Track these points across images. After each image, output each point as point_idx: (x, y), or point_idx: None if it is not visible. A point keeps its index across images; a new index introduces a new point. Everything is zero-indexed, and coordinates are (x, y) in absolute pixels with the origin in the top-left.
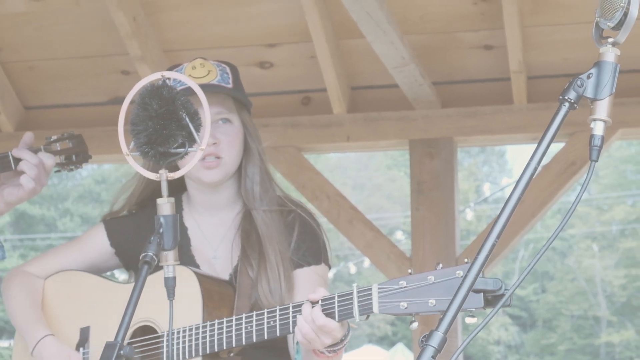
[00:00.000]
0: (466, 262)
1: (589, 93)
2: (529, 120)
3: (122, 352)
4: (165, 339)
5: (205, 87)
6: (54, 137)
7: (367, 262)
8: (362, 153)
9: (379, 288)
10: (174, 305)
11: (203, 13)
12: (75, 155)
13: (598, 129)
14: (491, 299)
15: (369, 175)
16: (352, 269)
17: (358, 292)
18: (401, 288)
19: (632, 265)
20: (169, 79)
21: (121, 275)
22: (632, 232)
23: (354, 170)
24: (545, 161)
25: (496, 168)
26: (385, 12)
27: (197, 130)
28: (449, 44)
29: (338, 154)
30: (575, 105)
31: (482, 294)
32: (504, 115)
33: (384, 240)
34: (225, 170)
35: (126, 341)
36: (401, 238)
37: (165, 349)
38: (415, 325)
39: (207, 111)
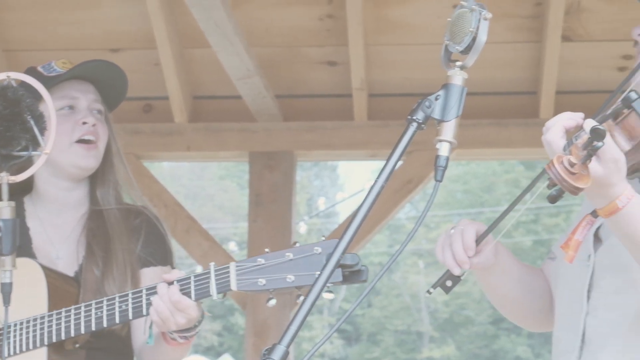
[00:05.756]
0: (323, 239)
1: (436, 114)
2: (368, 137)
3: None
4: (4, 336)
5: (94, 62)
6: None
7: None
8: (196, 163)
9: (236, 266)
10: (19, 297)
11: (46, 14)
12: None
13: (444, 150)
14: (348, 275)
15: (202, 185)
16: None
17: (215, 270)
18: (259, 265)
19: None
20: (15, 80)
21: None
22: None
23: (187, 179)
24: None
25: (328, 182)
26: (233, 24)
27: (42, 134)
28: (294, 58)
29: (172, 162)
30: (423, 125)
31: (340, 268)
32: (344, 130)
33: (219, 250)
34: (98, 158)
35: None
36: (234, 249)
37: (4, 345)
38: (273, 302)
39: (51, 109)
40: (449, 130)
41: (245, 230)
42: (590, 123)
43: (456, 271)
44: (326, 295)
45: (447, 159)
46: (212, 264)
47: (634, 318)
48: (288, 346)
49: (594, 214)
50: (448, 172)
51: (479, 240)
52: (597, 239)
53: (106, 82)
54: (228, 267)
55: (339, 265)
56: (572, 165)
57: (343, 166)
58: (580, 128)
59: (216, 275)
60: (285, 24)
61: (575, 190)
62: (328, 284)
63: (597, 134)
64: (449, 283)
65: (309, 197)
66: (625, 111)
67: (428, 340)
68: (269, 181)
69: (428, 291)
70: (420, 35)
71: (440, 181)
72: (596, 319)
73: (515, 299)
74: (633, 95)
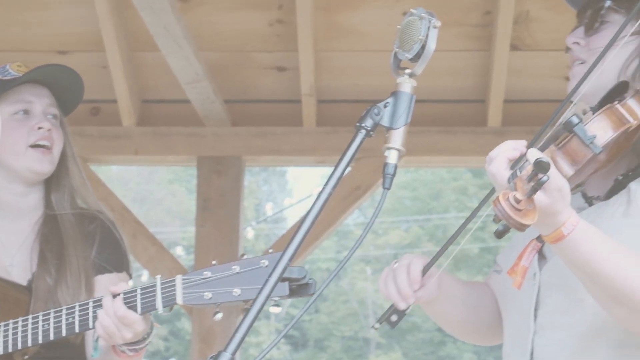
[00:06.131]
0: (271, 252)
1: (385, 122)
2: (317, 143)
3: None
4: None
5: (50, 66)
6: None
7: (145, 277)
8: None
9: (183, 279)
10: None
11: None
12: None
13: (392, 157)
14: (295, 288)
15: (150, 189)
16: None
17: (162, 283)
18: (205, 278)
19: None
20: None
21: None
22: None
23: (135, 183)
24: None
25: (276, 188)
26: (182, 27)
27: None
28: (243, 62)
29: (120, 166)
30: (372, 133)
31: (287, 282)
32: (293, 136)
33: (166, 255)
34: (54, 163)
35: None
36: (181, 253)
37: None
38: (219, 316)
39: None
40: (397, 137)
41: (193, 235)
42: (533, 154)
43: (401, 306)
44: (272, 309)
45: (396, 166)
46: (158, 277)
47: (582, 338)
48: (234, 353)
49: (540, 239)
50: (396, 179)
51: (422, 272)
52: (541, 256)
53: (61, 86)
54: (174, 281)
55: (285, 279)
56: (517, 201)
57: (291, 172)
58: (524, 157)
59: (162, 289)
60: (235, 29)
61: (522, 227)
62: (274, 298)
63: (541, 167)
64: (394, 318)
65: (257, 203)
66: (567, 135)
67: (375, 346)
68: (217, 186)
69: (373, 327)
70: (370, 42)
71: (389, 189)
72: (543, 338)
73: (462, 322)
74: (574, 119)
